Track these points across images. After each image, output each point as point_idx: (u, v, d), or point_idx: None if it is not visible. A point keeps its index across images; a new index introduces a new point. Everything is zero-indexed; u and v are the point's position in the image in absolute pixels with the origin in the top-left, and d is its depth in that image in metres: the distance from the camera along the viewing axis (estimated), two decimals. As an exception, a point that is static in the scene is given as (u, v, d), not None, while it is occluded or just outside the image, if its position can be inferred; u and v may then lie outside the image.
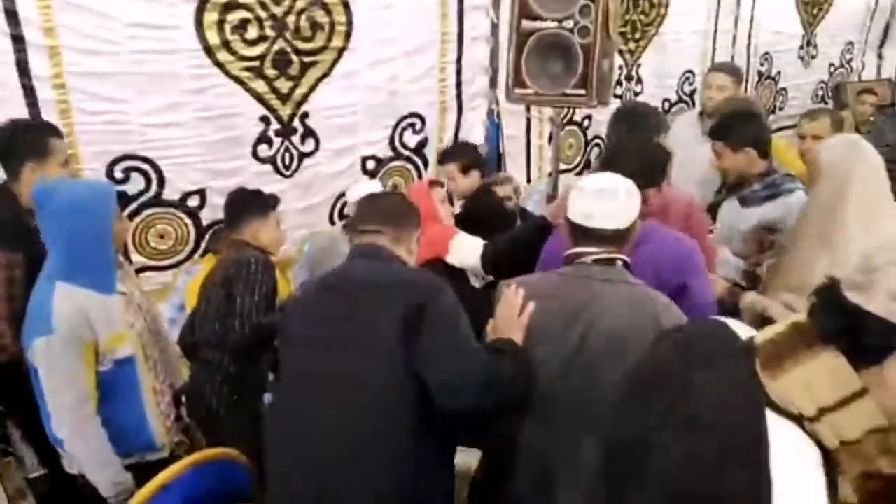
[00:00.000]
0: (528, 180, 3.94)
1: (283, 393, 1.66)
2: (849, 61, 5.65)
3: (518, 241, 2.36)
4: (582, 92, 2.89)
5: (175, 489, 1.64)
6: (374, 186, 3.15)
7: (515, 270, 1.90)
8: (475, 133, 3.62)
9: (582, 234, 1.62)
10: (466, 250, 2.44)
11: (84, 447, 1.76)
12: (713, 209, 2.72)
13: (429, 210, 2.40)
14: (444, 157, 3.21)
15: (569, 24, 2.88)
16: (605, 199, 1.59)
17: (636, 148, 2.12)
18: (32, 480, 2.36)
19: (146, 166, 2.78)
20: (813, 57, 5.34)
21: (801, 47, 5.23)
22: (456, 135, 3.59)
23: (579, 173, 4.10)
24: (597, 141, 4.17)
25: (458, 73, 3.47)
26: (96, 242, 1.81)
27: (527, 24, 2.95)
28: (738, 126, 2.56)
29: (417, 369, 1.44)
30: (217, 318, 2.27)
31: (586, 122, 4.09)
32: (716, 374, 0.82)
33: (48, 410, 1.75)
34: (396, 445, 1.47)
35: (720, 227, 2.63)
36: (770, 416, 0.77)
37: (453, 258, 2.43)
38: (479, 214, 2.93)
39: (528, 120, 3.80)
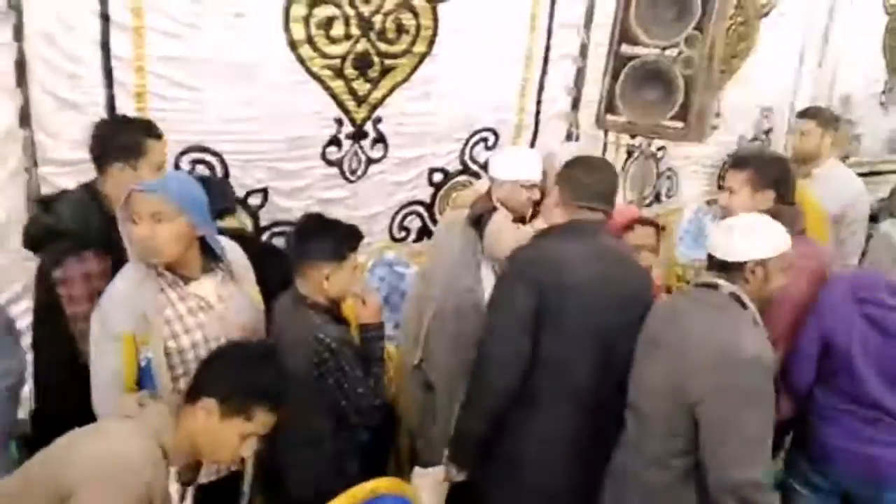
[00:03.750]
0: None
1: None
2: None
3: None
4: (679, 125, 2.74)
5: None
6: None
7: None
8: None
9: (709, 263, 1.84)
10: None
11: None
12: None
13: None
14: None
15: (672, 52, 2.73)
16: (729, 235, 1.79)
17: None
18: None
19: (213, 159, 2.63)
20: (894, 104, 5.13)
21: (883, 93, 5.02)
22: (529, 154, 3.42)
23: (649, 205, 3.92)
24: (668, 173, 3.99)
25: (540, 91, 3.31)
26: None
27: (626, 48, 2.81)
28: None
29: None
30: None
31: (660, 154, 3.89)
32: None
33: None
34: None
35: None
36: None
37: None
38: None
39: (605, 146, 3.62)
